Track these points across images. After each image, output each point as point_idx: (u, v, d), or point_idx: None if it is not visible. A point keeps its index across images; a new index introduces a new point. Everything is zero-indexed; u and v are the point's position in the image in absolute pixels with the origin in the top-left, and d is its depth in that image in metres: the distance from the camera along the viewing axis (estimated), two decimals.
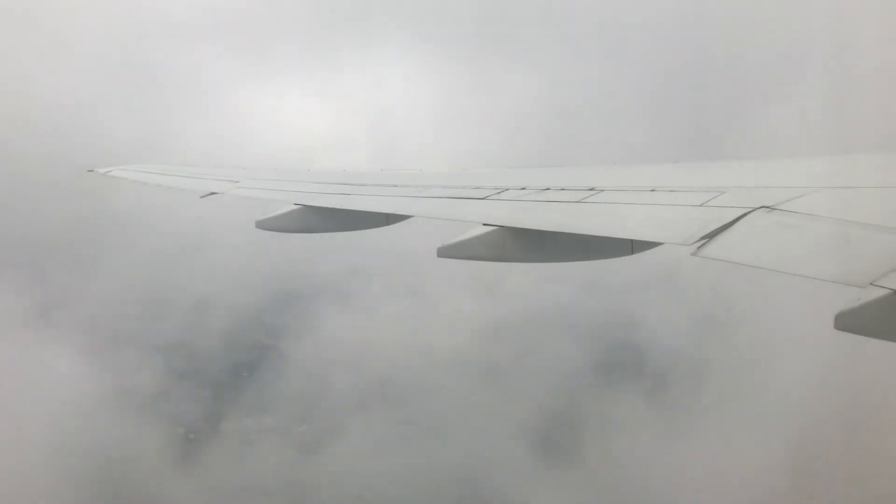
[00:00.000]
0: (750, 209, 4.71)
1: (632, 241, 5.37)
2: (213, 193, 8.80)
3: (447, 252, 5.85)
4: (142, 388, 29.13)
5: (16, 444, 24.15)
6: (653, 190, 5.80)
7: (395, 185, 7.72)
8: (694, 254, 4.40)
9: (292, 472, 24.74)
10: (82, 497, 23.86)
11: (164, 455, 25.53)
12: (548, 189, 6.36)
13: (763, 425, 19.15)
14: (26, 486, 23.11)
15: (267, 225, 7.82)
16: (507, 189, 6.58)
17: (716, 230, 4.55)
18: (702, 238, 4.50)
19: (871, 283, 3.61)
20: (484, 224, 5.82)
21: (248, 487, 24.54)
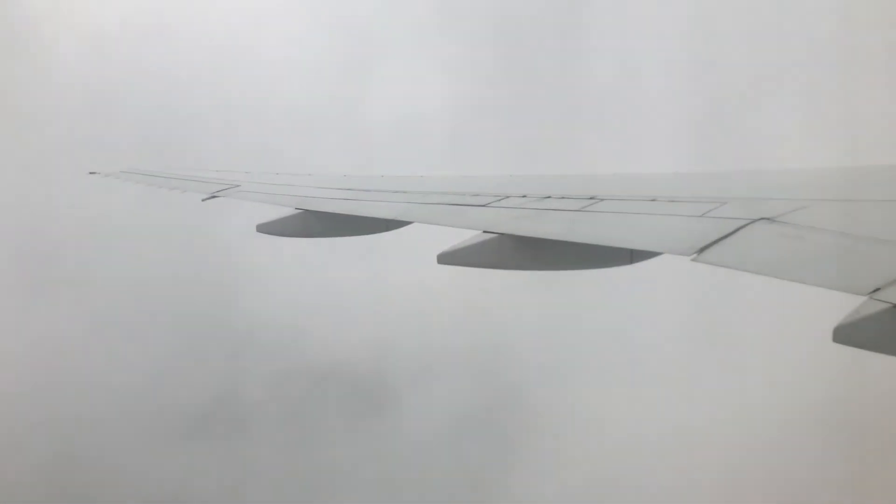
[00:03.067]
0: (750, 220, 4.73)
1: (631, 250, 5.39)
2: (214, 196, 8.84)
3: (447, 259, 5.86)
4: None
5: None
6: (653, 200, 5.81)
7: (396, 192, 7.74)
8: (694, 259, 4.44)
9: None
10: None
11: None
12: (548, 197, 6.38)
13: (757, 434, 19.08)
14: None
15: (268, 229, 7.87)
16: (508, 196, 6.60)
17: (715, 241, 4.57)
18: (702, 249, 4.52)
19: (870, 297, 3.61)
20: (484, 231, 5.83)
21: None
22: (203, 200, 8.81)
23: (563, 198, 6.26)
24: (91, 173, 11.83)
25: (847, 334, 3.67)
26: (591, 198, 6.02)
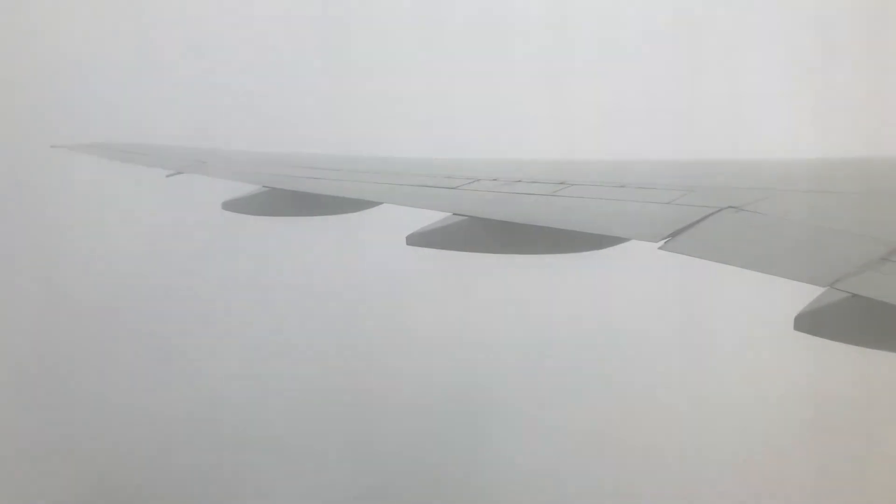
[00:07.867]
0: (717, 209, 4.79)
1: (600, 235, 5.42)
2: (179, 173, 8.68)
3: (416, 240, 5.86)
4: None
5: None
6: (622, 186, 5.86)
7: (367, 171, 7.69)
8: (661, 247, 4.49)
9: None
10: None
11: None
12: (519, 181, 6.39)
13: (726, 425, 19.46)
14: None
15: (234, 206, 7.77)
16: (479, 180, 6.59)
17: (682, 228, 4.62)
18: (668, 236, 4.57)
19: (831, 286, 3.68)
20: (454, 213, 5.83)
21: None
22: (167, 177, 8.65)
23: (533, 182, 6.28)
24: (52, 146, 11.47)
25: (807, 322, 3.75)
26: (561, 182, 6.05)
